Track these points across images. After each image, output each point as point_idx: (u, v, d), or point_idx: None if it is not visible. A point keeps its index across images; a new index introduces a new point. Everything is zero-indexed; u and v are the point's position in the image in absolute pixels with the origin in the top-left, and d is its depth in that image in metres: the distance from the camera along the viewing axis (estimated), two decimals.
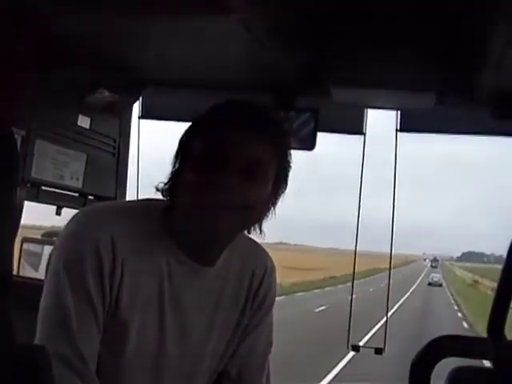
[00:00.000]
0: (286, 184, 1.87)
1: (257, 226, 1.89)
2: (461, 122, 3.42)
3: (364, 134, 3.44)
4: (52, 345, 1.68)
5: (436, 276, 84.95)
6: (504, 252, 2.13)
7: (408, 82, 3.06)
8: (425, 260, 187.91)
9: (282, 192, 1.87)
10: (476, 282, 79.91)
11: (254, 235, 1.93)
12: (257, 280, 2.01)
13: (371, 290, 47.56)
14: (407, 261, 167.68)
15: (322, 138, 3.33)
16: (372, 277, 69.91)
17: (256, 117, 1.81)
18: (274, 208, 1.87)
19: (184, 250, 1.85)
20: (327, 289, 56.10)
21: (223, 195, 1.72)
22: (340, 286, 58.14)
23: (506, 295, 2.19)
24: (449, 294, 64.32)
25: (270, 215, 1.87)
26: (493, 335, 2.18)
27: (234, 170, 1.74)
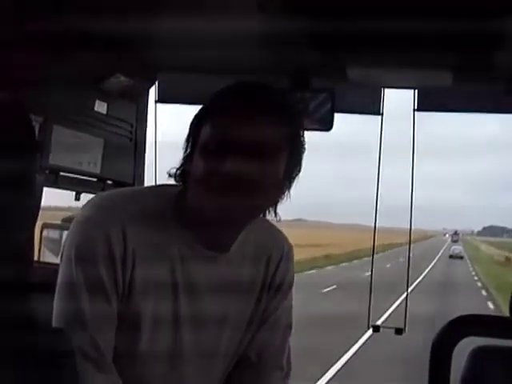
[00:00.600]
0: (300, 166, 1.83)
1: (271, 209, 1.85)
2: (479, 99, 3.39)
3: (381, 114, 3.42)
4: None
5: (457, 248, 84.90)
6: None
7: (424, 60, 3.03)
8: (445, 235, 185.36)
9: (296, 175, 1.83)
10: (510, 259, 64.07)
11: (270, 218, 1.90)
12: (273, 264, 1.99)
13: (366, 274, 32.66)
14: (426, 236, 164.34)
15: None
16: (381, 254, 59.49)
17: (266, 98, 1.76)
18: (289, 191, 1.84)
19: (196, 236, 1.83)
20: (307, 273, 40.42)
21: (233, 180, 1.68)
22: (329, 268, 47.94)
23: None
24: (475, 277, 48.90)
25: (285, 198, 1.84)
26: None
27: (242, 155, 1.69)
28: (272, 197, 1.81)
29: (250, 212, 1.80)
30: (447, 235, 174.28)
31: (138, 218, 1.79)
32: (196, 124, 1.79)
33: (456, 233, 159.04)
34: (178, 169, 1.83)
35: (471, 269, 58.95)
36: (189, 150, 1.80)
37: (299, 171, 1.83)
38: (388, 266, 41.14)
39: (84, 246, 1.77)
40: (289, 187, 1.83)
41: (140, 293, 1.79)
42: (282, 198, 1.84)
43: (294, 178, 1.83)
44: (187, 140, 1.80)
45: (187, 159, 1.80)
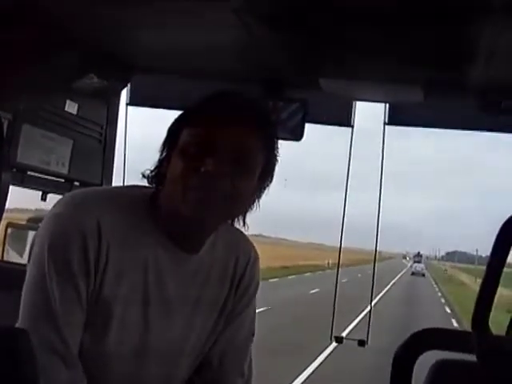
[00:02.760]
0: (272, 177, 1.88)
1: (240, 217, 1.90)
2: (449, 116, 3.43)
3: (352, 127, 3.44)
4: (35, 329, 1.67)
5: (419, 266, 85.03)
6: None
7: (397, 75, 3.06)
8: (404, 257, 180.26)
9: (268, 185, 1.88)
10: None
11: (238, 227, 1.94)
12: (240, 268, 2.02)
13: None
14: (380, 257, 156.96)
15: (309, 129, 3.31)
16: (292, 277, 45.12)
17: (245, 107, 1.82)
18: (258, 201, 1.88)
19: (169, 237, 1.85)
20: None
21: (209, 183, 1.73)
22: None
23: (490, 289, 2.20)
24: None
25: (254, 208, 1.88)
26: (477, 329, 2.19)
27: (221, 158, 1.74)
28: (244, 203, 1.85)
29: (222, 215, 1.84)
30: (407, 258, 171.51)
31: (113, 213, 1.81)
32: (175, 129, 1.83)
33: (419, 254, 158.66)
34: (152, 171, 1.85)
35: None
36: (165, 153, 1.83)
37: (271, 181, 1.88)
38: (314, 291, 31.09)
39: (58, 242, 1.76)
40: (259, 196, 1.87)
41: (111, 290, 1.80)
42: (252, 207, 1.88)
43: (264, 188, 1.88)
44: (164, 144, 1.84)
45: (163, 161, 1.83)
